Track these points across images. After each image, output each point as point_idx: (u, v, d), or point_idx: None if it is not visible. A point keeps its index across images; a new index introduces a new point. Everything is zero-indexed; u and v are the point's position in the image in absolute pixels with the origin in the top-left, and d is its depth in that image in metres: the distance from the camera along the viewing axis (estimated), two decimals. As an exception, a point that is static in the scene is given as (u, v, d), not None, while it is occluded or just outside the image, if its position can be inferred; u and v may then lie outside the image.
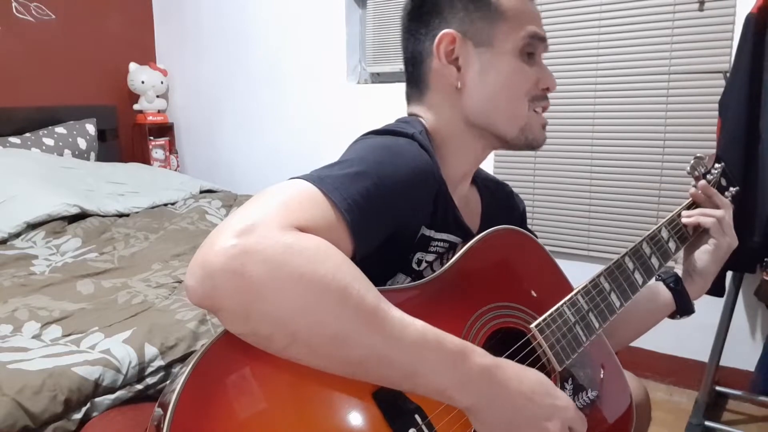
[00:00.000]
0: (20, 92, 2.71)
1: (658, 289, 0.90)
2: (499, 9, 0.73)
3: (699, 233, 0.90)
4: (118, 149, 3.06)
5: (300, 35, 2.76)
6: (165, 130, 3.23)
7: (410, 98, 0.81)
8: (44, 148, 2.55)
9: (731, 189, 0.96)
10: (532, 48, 0.74)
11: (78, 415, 0.97)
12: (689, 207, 0.91)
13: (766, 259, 1.60)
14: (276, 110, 2.90)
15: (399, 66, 2.57)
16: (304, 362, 0.51)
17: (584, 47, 2.06)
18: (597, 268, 0.78)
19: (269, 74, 2.88)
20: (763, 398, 1.83)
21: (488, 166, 2.25)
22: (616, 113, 2.04)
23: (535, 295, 0.75)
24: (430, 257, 0.73)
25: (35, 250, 1.76)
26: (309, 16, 2.71)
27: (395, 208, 0.62)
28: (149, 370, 1.08)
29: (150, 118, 3.12)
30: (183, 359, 1.12)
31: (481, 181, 0.89)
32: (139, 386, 1.06)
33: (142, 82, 3.07)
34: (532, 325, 0.68)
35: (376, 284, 0.53)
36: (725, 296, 1.72)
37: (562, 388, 0.70)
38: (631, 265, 0.81)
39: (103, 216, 2.09)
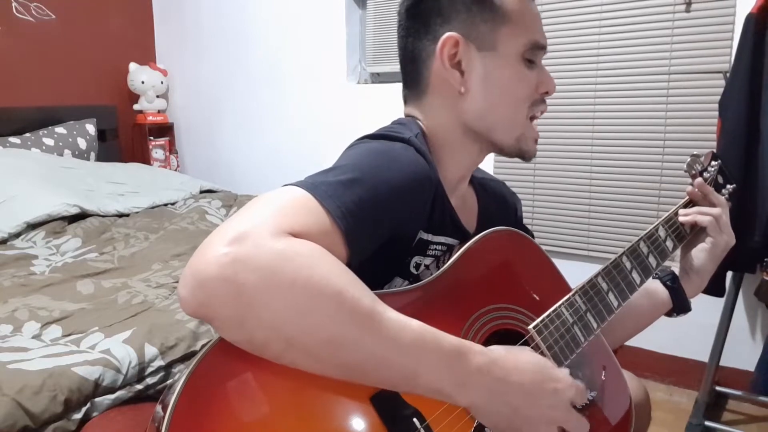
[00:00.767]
0: (20, 92, 2.71)
1: (655, 287, 0.90)
2: (502, 11, 0.71)
3: (696, 231, 0.90)
4: (118, 149, 3.06)
5: (300, 35, 2.76)
6: (165, 130, 3.23)
7: (407, 99, 0.79)
8: (44, 148, 2.55)
9: (728, 186, 0.96)
10: (533, 56, 0.74)
11: (78, 415, 0.97)
12: (686, 206, 0.91)
13: (766, 259, 1.60)
14: (276, 110, 2.90)
15: (398, 66, 2.57)
16: (301, 367, 0.51)
17: (584, 47, 2.06)
18: (597, 269, 0.78)
19: (269, 74, 2.88)
20: (763, 398, 1.83)
21: (488, 166, 2.25)
22: (616, 113, 2.04)
23: (532, 296, 0.75)
24: (428, 261, 0.73)
25: (35, 250, 1.76)
26: (309, 16, 2.71)
27: (390, 215, 0.61)
28: (149, 370, 1.08)
29: (150, 118, 3.12)
30: (183, 359, 1.13)
31: (476, 180, 0.89)
32: (139, 386, 1.06)
33: (142, 82, 3.07)
34: (530, 327, 0.68)
35: (373, 289, 0.53)
36: (725, 296, 1.72)
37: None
38: (628, 265, 0.81)
39: (103, 216, 2.09)
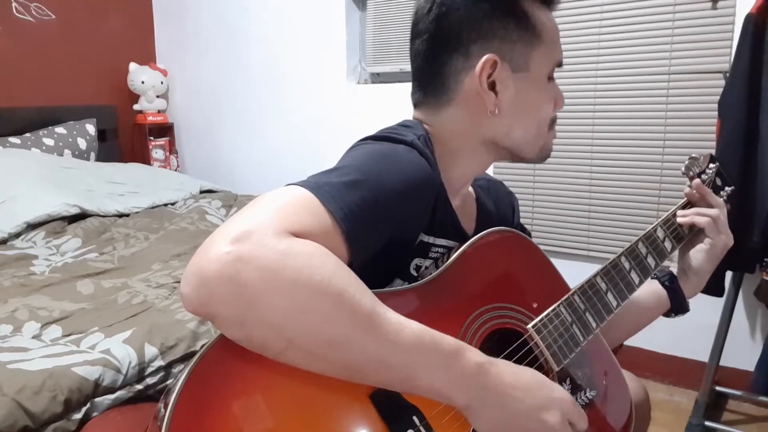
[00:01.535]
0: (20, 92, 2.71)
1: (653, 287, 0.90)
2: (537, 30, 0.72)
3: (695, 232, 0.90)
4: (118, 149, 3.06)
5: (300, 35, 2.76)
6: (165, 130, 3.23)
7: (420, 104, 0.77)
8: (44, 148, 2.55)
9: (726, 188, 0.96)
10: (553, 74, 0.76)
11: (78, 415, 0.97)
12: (684, 207, 0.92)
13: (765, 259, 1.60)
14: (276, 110, 2.90)
15: (399, 66, 2.57)
16: (300, 366, 0.51)
17: (584, 47, 2.06)
18: (596, 269, 0.78)
19: (269, 74, 2.89)
20: (763, 398, 1.83)
21: (488, 166, 2.25)
22: (616, 113, 2.04)
23: (531, 295, 0.75)
24: (428, 263, 0.73)
25: (35, 250, 1.76)
26: (309, 16, 2.71)
27: (392, 218, 0.62)
28: (149, 370, 1.08)
29: (150, 118, 3.12)
30: (183, 359, 1.13)
31: (475, 180, 0.89)
32: (139, 386, 1.06)
33: (142, 82, 3.07)
34: (529, 326, 0.68)
35: (373, 290, 0.53)
36: (725, 296, 1.72)
37: (561, 388, 0.70)
38: (627, 265, 0.81)
39: (103, 216, 2.09)
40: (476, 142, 0.76)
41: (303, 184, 0.56)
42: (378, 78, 2.71)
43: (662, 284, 0.90)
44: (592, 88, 2.07)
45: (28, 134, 2.56)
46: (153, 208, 2.31)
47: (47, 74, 2.82)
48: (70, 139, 2.68)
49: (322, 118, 2.74)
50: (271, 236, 0.49)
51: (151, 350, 1.09)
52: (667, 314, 0.91)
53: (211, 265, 0.47)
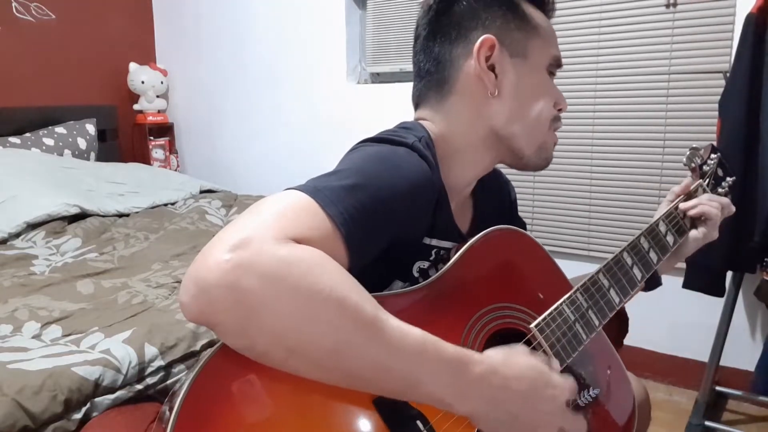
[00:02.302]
0: (20, 92, 2.71)
1: None
2: (533, 24, 0.76)
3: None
4: (118, 149, 3.06)
5: (300, 35, 2.76)
6: (165, 130, 3.23)
7: (423, 101, 0.78)
8: (44, 148, 2.55)
9: (728, 179, 0.96)
10: (553, 70, 0.78)
11: (78, 415, 0.96)
12: (685, 200, 0.92)
13: (766, 259, 1.60)
14: (276, 110, 2.90)
15: (399, 66, 2.57)
16: (303, 375, 0.50)
17: (584, 47, 2.06)
18: (599, 266, 0.78)
19: (269, 74, 2.88)
20: (763, 398, 1.83)
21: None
22: (616, 113, 2.04)
23: (533, 294, 0.75)
24: (429, 265, 0.73)
25: (35, 250, 1.75)
26: (309, 16, 2.71)
27: (392, 222, 0.61)
28: (149, 370, 1.08)
29: (150, 118, 3.12)
30: (183, 359, 1.12)
31: None
32: (139, 386, 1.06)
33: (142, 82, 3.07)
34: (532, 325, 0.68)
35: (374, 293, 0.53)
36: (725, 296, 1.72)
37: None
38: (629, 261, 0.81)
39: (103, 216, 2.09)
40: (479, 136, 0.76)
41: (302, 188, 0.56)
42: (378, 78, 2.71)
43: None
44: (592, 88, 2.07)
45: (28, 134, 2.55)
46: (153, 208, 2.31)
47: (47, 74, 2.82)
48: (70, 139, 2.67)
49: (321, 118, 2.74)
50: (271, 243, 0.48)
51: (151, 350, 1.09)
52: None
53: (211, 273, 0.46)
